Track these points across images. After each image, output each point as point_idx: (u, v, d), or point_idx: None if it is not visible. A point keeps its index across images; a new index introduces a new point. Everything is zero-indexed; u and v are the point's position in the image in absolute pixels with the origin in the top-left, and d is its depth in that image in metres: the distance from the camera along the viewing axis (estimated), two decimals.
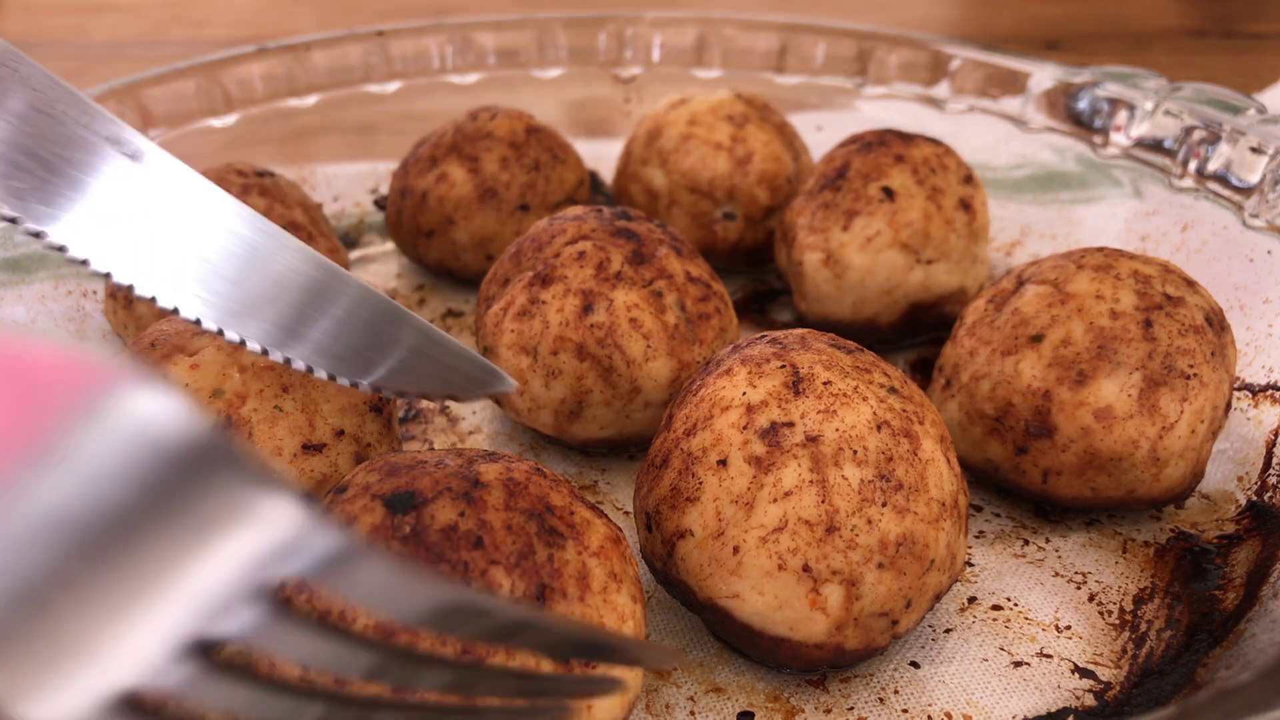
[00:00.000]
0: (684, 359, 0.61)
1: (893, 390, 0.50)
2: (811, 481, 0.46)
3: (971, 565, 0.58)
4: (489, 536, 0.40)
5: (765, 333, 0.54)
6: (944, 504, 0.48)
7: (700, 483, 0.48)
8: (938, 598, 0.50)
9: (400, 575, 0.28)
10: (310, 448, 0.52)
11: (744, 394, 0.49)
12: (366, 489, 0.42)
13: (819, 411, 0.48)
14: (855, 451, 0.47)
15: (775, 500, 0.46)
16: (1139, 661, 0.52)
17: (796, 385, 0.49)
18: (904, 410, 0.49)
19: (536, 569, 0.40)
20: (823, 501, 0.46)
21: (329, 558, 0.28)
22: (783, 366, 0.50)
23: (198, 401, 0.49)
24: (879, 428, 0.48)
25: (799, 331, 0.54)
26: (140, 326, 0.70)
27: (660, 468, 0.51)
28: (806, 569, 0.46)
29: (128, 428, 0.27)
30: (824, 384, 0.49)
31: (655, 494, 0.50)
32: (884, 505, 0.46)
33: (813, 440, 0.47)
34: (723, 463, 0.48)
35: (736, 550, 0.47)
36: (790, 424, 0.47)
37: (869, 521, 0.46)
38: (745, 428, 0.48)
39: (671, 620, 0.54)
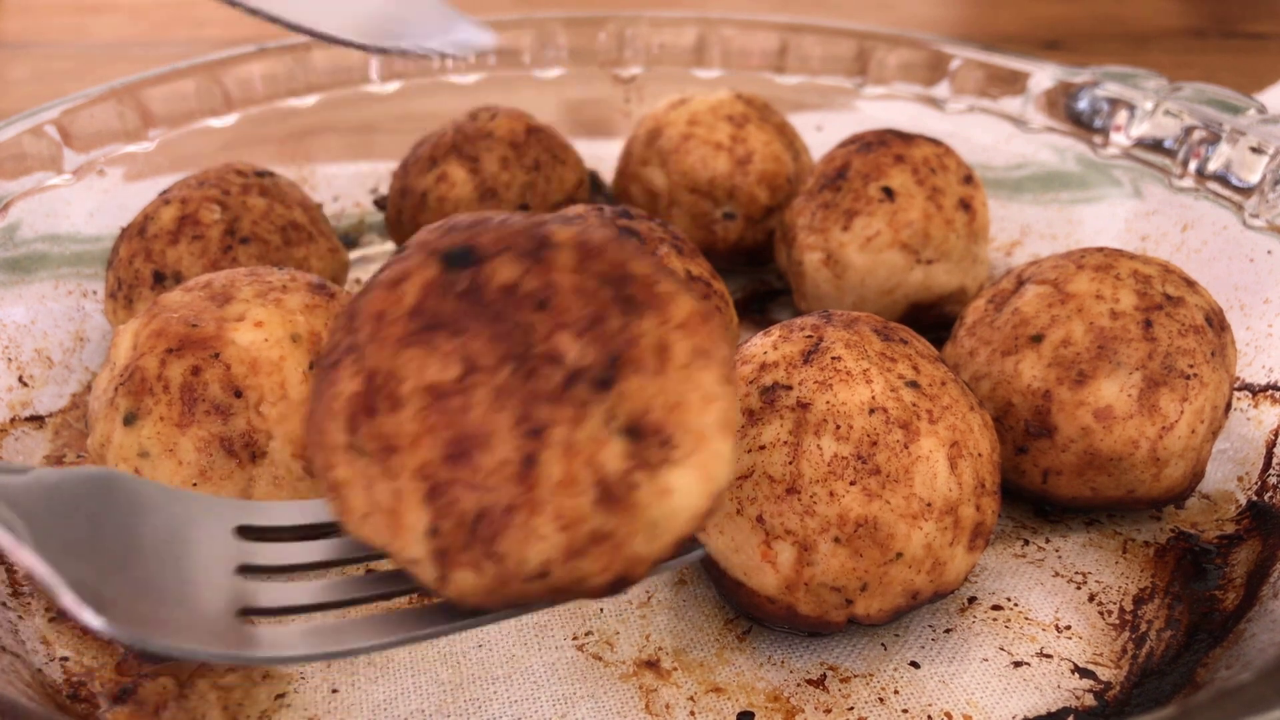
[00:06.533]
0: None
1: (912, 384, 0.50)
2: (786, 442, 0.49)
3: None
4: (556, 298, 0.36)
5: (829, 310, 0.56)
6: (930, 505, 0.48)
7: None
8: (914, 597, 0.50)
9: None
10: None
11: (765, 353, 0.52)
12: (424, 245, 0.38)
13: (816, 382, 0.50)
14: (838, 427, 0.48)
15: (750, 450, 0.49)
16: (1139, 661, 0.52)
17: (809, 355, 0.51)
18: (914, 405, 0.49)
19: (608, 337, 0.36)
20: (790, 463, 0.48)
21: None
22: (809, 336, 0.52)
23: (285, 348, 0.54)
24: (872, 412, 0.48)
25: (857, 314, 0.55)
26: None
27: None
28: (760, 519, 0.48)
29: None
30: (833, 359, 0.50)
31: None
32: (852, 484, 0.47)
33: (803, 407, 0.49)
34: None
35: None
36: (789, 387, 0.50)
37: (831, 494, 0.48)
38: (752, 382, 0.51)
39: (672, 621, 0.54)
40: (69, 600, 0.36)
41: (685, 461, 0.37)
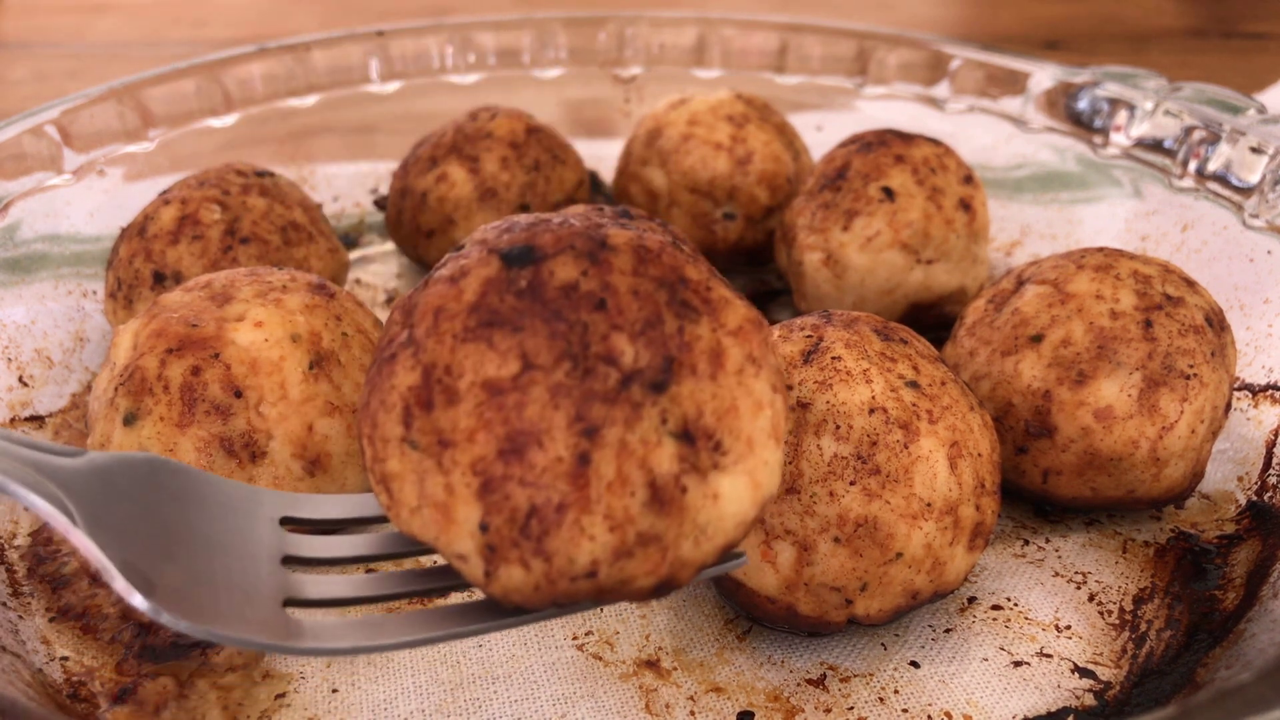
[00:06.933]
0: None
1: (912, 384, 0.50)
2: (786, 443, 0.48)
3: None
4: (613, 300, 0.36)
5: (829, 310, 0.55)
6: (930, 505, 0.48)
7: None
8: (914, 597, 0.50)
9: None
10: None
11: None
12: (483, 243, 0.39)
13: (816, 382, 0.50)
14: (838, 427, 0.48)
15: None
16: (1139, 661, 0.52)
17: (809, 355, 0.51)
18: (914, 405, 0.49)
19: (664, 340, 0.36)
20: (790, 463, 0.48)
21: None
22: (809, 336, 0.52)
23: (285, 348, 0.54)
24: (872, 411, 0.48)
25: (857, 314, 0.55)
26: None
27: None
28: (760, 519, 0.47)
29: None
30: (833, 359, 0.50)
31: None
32: (852, 484, 0.47)
33: (803, 407, 0.49)
34: None
35: None
36: (789, 387, 0.49)
37: (831, 494, 0.48)
38: None
39: (673, 620, 0.54)
40: (119, 584, 0.36)
41: (735, 468, 0.37)
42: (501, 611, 0.39)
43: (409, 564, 0.55)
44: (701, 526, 0.37)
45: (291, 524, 0.44)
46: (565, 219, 0.40)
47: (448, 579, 0.42)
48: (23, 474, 0.38)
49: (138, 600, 0.36)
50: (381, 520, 0.45)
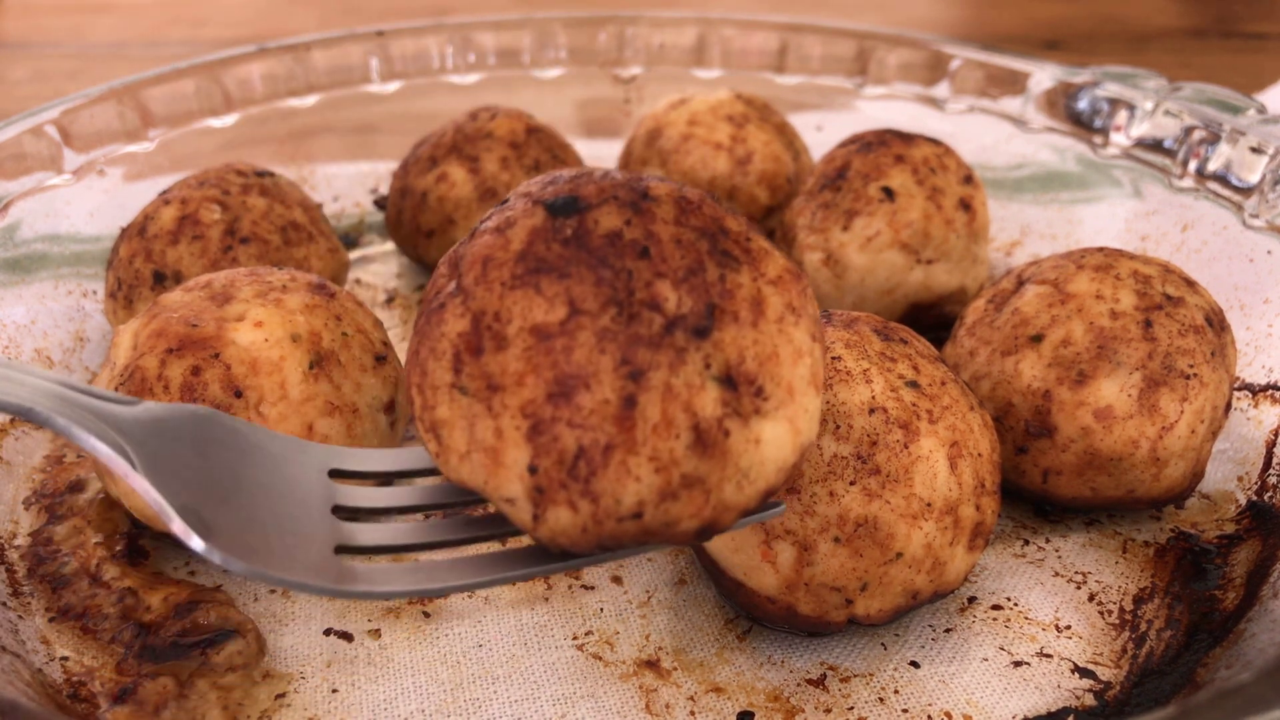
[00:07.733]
0: None
1: (912, 384, 0.50)
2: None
3: None
4: (656, 248, 0.37)
5: (829, 310, 0.55)
6: (930, 505, 0.48)
7: None
8: (914, 597, 0.50)
9: None
10: (380, 359, 0.59)
11: None
12: (527, 195, 0.40)
13: None
14: (838, 426, 0.48)
15: None
16: (1139, 661, 0.52)
17: None
18: (914, 404, 0.49)
19: (706, 287, 0.37)
20: None
21: None
22: None
23: (285, 348, 0.54)
24: (871, 411, 0.48)
25: (857, 314, 0.55)
26: None
27: None
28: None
29: None
30: (833, 359, 0.50)
31: None
32: (852, 484, 0.47)
33: None
34: None
35: None
36: None
37: (831, 494, 0.47)
38: None
39: (673, 621, 0.54)
40: (177, 525, 0.37)
41: (776, 413, 0.38)
42: (549, 556, 0.40)
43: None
44: (744, 470, 0.38)
45: (339, 476, 0.45)
46: (607, 173, 0.41)
47: (496, 527, 0.43)
48: (85, 420, 0.39)
49: (195, 542, 0.37)
50: (427, 474, 0.46)
